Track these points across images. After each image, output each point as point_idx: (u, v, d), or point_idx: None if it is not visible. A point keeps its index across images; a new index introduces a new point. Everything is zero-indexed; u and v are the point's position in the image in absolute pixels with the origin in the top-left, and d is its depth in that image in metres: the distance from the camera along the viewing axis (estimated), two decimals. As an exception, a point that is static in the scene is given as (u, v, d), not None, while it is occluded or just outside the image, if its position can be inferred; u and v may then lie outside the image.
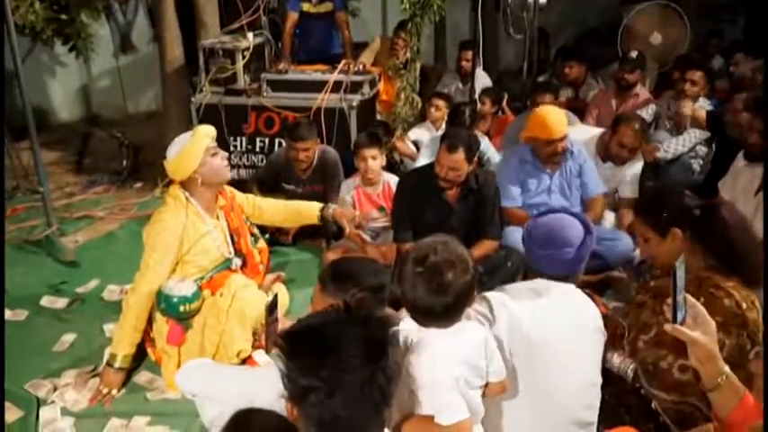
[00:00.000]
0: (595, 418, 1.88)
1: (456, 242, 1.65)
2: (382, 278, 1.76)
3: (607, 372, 1.99)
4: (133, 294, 2.45)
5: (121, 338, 2.46)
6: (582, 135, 3.76)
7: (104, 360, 2.56)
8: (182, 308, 2.40)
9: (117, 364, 2.44)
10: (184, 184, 2.54)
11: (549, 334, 1.75)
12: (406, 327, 1.77)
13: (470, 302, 1.64)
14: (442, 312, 1.57)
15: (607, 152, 3.63)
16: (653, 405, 1.96)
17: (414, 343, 1.58)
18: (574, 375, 1.80)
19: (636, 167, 3.65)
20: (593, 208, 3.34)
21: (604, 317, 1.97)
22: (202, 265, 2.54)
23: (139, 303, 2.43)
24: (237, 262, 2.66)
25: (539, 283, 1.86)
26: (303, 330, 1.21)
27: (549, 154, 3.22)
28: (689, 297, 1.37)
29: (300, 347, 1.17)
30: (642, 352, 2.03)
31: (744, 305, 1.87)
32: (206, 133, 2.56)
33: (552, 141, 3.18)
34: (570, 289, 1.88)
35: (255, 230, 2.89)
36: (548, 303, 1.79)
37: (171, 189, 2.56)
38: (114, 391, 2.44)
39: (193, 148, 2.50)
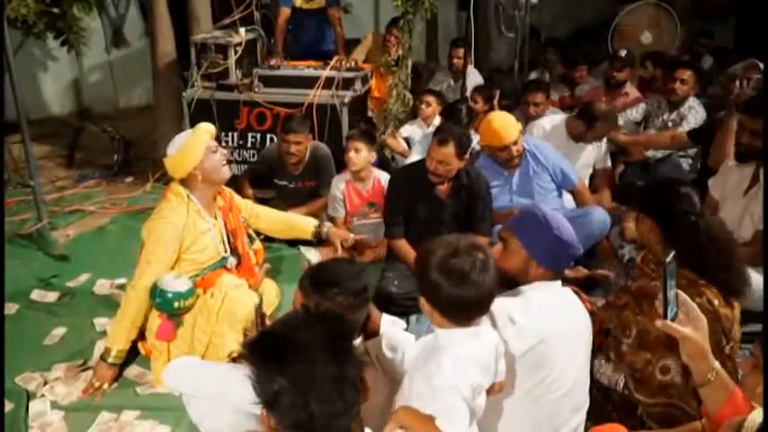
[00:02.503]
0: (584, 418, 1.91)
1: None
2: (363, 280, 1.75)
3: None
4: (133, 290, 2.45)
5: (118, 333, 2.46)
6: (549, 123, 3.89)
7: (98, 354, 2.57)
8: (176, 303, 2.40)
9: (110, 360, 2.44)
10: (184, 182, 2.54)
11: (550, 338, 1.75)
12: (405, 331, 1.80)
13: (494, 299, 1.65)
14: (473, 306, 1.57)
15: (579, 134, 3.73)
16: (638, 412, 1.98)
17: (434, 344, 1.58)
18: (568, 376, 1.81)
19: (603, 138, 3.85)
20: (581, 195, 3.48)
21: (591, 313, 1.99)
22: (199, 262, 2.55)
23: (139, 299, 2.43)
24: (233, 261, 2.67)
25: (534, 286, 1.85)
26: (265, 336, 1.22)
27: (506, 159, 3.28)
28: (680, 293, 1.38)
29: (265, 353, 1.17)
30: (628, 356, 2.05)
31: (716, 302, 1.91)
32: (206, 130, 2.57)
33: (504, 147, 3.23)
34: (563, 289, 1.90)
35: (251, 231, 2.91)
36: (546, 307, 1.79)
37: (172, 186, 2.56)
38: (106, 386, 2.45)
39: (194, 145, 2.50)
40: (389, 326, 1.84)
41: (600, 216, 3.22)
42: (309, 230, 3.02)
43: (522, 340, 1.72)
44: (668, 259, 1.34)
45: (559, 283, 1.90)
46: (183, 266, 2.52)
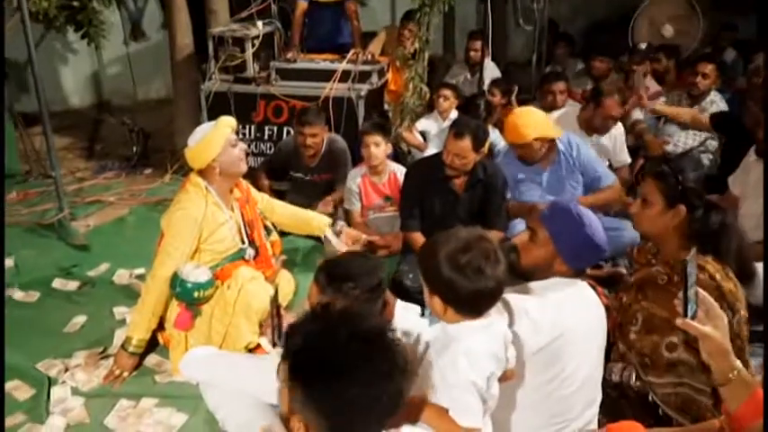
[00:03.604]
0: (596, 412, 1.90)
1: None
2: (378, 275, 1.75)
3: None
4: (152, 280, 2.48)
5: (138, 323, 2.49)
6: (557, 113, 3.83)
7: (118, 342, 2.61)
8: (196, 293, 2.43)
9: (131, 349, 2.48)
10: (202, 173, 2.57)
11: (565, 335, 1.74)
12: (420, 322, 1.78)
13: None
14: (488, 299, 1.55)
15: (591, 125, 3.64)
16: (650, 398, 1.97)
17: (445, 338, 1.57)
18: (581, 372, 1.80)
19: (619, 130, 3.72)
20: (603, 191, 3.31)
21: (606, 308, 1.98)
22: (216, 252, 2.58)
23: (159, 289, 2.46)
24: (251, 252, 2.70)
25: (552, 282, 1.81)
26: (308, 352, 1.12)
27: (526, 156, 3.20)
28: (700, 291, 1.36)
29: (308, 373, 1.11)
30: (636, 343, 2.05)
31: (718, 276, 1.91)
32: (228, 124, 2.60)
33: (523, 144, 3.15)
34: (579, 283, 1.86)
35: (268, 224, 2.93)
36: (563, 304, 1.77)
37: (191, 177, 2.59)
38: (126, 374, 2.49)
39: (214, 138, 2.53)
40: (402, 311, 1.83)
41: (630, 238, 3.13)
42: (323, 228, 3.05)
43: (539, 337, 1.70)
44: (689, 257, 1.33)
45: (578, 281, 1.86)
46: (201, 257, 2.55)
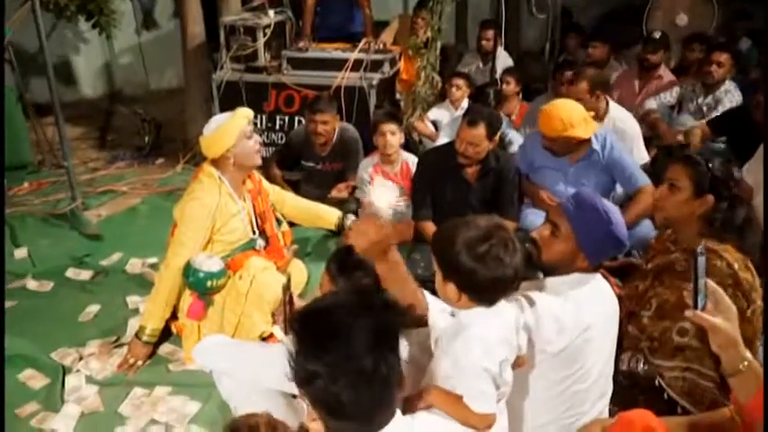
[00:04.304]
0: (607, 402, 1.89)
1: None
2: None
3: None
4: (166, 269, 2.49)
5: (152, 312, 2.50)
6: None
7: (131, 331, 2.63)
8: (209, 283, 2.44)
9: (145, 338, 2.49)
10: (216, 163, 2.57)
11: (586, 333, 1.72)
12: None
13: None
14: (507, 288, 1.54)
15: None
16: (656, 382, 1.96)
17: (457, 326, 1.56)
18: (596, 366, 1.79)
19: (635, 129, 3.55)
20: (640, 200, 3.03)
21: (618, 298, 1.96)
22: (228, 242, 2.59)
23: (172, 278, 2.47)
24: (261, 243, 2.71)
25: (572, 278, 1.76)
26: (313, 313, 1.20)
27: (554, 147, 3.09)
28: (710, 283, 1.35)
29: (308, 331, 1.16)
30: (648, 328, 2.05)
31: (736, 265, 1.89)
32: (244, 115, 2.60)
33: (555, 138, 3.03)
34: (597, 278, 1.83)
35: (279, 215, 2.94)
36: (583, 301, 1.74)
37: (204, 167, 2.59)
38: (140, 363, 2.50)
39: (230, 128, 2.53)
40: (438, 314, 1.78)
41: (645, 233, 3.04)
42: (333, 221, 3.04)
43: (562, 336, 1.69)
44: (699, 249, 1.33)
45: (595, 275, 1.83)
46: (213, 248, 2.56)
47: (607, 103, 3.53)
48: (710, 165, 2.06)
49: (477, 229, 1.52)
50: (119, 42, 6.27)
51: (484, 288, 1.52)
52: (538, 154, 3.22)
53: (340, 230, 3.14)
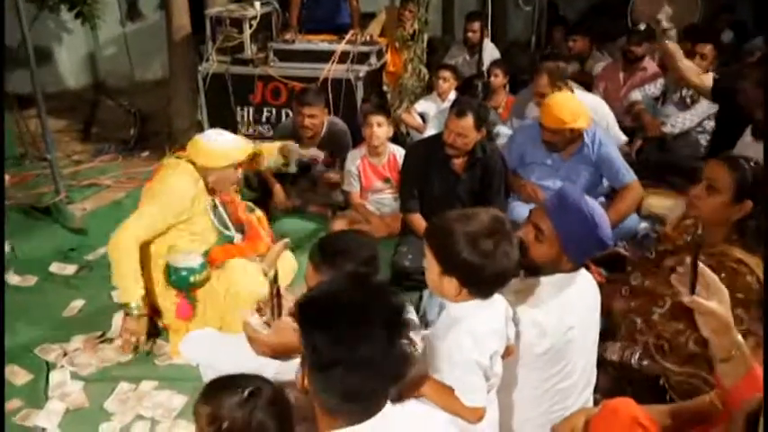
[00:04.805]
0: (591, 392, 1.91)
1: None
2: (372, 248, 1.77)
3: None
4: (115, 236, 2.41)
5: (125, 288, 2.43)
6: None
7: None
8: (191, 279, 2.44)
9: (135, 312, 2.43)
10: (195, 166, 2.55)
11: (570, 332, 1.73)
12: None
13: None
14: (504, 280, 1.53)
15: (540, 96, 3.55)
16: (661, 381, 1.96)
17: (448, 319, 1.56)
18: (581, 361, 1.81)
19: (604, 110, 3.60)
20: (626, 197, 3.08)
21: (600, 285, 1.95)
22: (191, 232, 2.56)
23: (122, 247, 2.39)
24: (239, 237, 2.70)
25: (555, 279, 1.74)
26: (328, 299, 1.18)
27: (554, 141, 3.08)
28: (699, 264, 1.33)
29: (327, 318, 1.14)
30: (658, 326, 2.02)
31: (758, 271, 1.85)
32: (246, 150, 2.61)
33: (557, 131, 3.03)
34: (580, 273, 1.82)
35: (249, 204, 2.95)
36: (566, 302, 1.73)
37: (182, 163, 2.56)
38: (143, 338, 2.46)
39: (232, 155, 2.53)
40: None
41: (631, 225, 3.13)
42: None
43: (545, 340, 1.69)
44: (700, 232, 1.31)
45: (581, 270, 1.82)
46: (178, 241, 2.54)
47: (572, 92, 3.54)
48: (753, 168, 1.93)
49: (480, 223, 1.50)
50: (103, 33, 6.18)
51: (488, 283, 1.51)
52: (529, 148, 3.22)
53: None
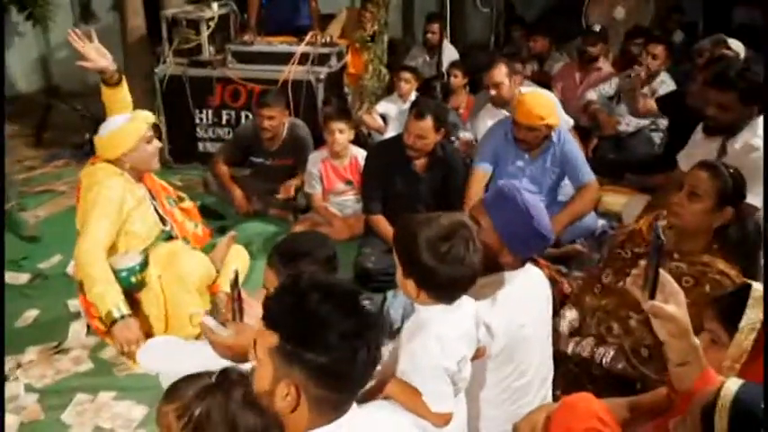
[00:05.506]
0: (550, 386, 1.94)
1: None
2: (330, 248, 1.77)
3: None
4: (79, 257, 2.37)
5: (102, 295, 2.35)
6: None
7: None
8: (133, 279, 2.40)
9: (121, 319, 2.33)
10: (111, 162, 2.52)
11: (520, 331, 1.74)
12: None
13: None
14: (467, 285, 1.53)
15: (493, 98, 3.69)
16: (638, 386, 1.97)
17: (417, 322, 1.56)
18: (535, 358, 1.83)
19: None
20: (584, 196, 3.11)
21: (550, 280, 1.98)
22: (139, 237, 2.52)
23: (90, 262, 2.35)
24: (176, 231, 2.67)
25: (501, 277, 1.76)
26: (293, 305, 1.14)
27: (528, 139, 3.08)
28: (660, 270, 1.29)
29: (292, 324, 1.12)
30: (636, 332, 2.04)
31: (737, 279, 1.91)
32: (144, 119, 2.55)
33: (533, 128, 3.02)
34: (527, 268, 1.84)
35: (181, 193, 2.93)
36: (514, 300, 1.74)
37: (100, 165, 2.52)
38: (141, 341, 2.36)
39: (130, 131, 2.49)
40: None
41: (590, 223, 3.19)
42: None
43: (494, 341, 1.70)
44: (660, 235, 1.26)
45: (527, 266, 1.84)
46: (129, 242, 2.50)
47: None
48: (733, 174, 1.97)
49: (440, 227, 1.50)
50: (55, 35, 6.03)
51: (443, 287, 1.51)
52: (501, 146, 3.20)
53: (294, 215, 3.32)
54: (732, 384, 1.19)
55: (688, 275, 1.95)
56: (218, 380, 1.32)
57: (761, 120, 2.68)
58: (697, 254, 1.99)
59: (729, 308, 1.42)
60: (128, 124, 2.50)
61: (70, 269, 3.13)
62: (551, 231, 1.81)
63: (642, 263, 1.35)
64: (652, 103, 3.92)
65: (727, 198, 1.95)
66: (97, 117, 4.79)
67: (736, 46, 3.84)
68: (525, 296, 1.78)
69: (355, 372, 1.14)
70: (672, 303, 1.28)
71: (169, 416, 1.28)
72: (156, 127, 4.24)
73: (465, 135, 3.93)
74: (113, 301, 2.34)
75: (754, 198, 2.52)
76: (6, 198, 3.57)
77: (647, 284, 1.28)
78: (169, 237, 2.63)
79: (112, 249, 2.47)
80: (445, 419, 1.51)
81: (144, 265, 2.43)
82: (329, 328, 1.10)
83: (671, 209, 2.06)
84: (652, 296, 1.28)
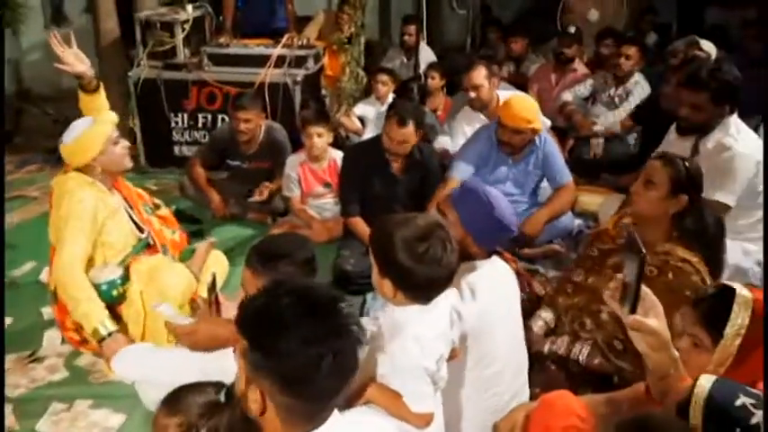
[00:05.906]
0: (525, 380, 1.96)
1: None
2: (309, 249, 1.77)
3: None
4: (57, 276, 2.33)
5: (87, 313, 2.31)
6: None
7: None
8: (114, 292, 2.35)
9: (108, 334, 2.28)
10: (82, 171, 2.46)
11: (484, 321, 1.76)
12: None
13: None
14: (442, 286, 1.54)
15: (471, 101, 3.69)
16: (615, 380, 2.00)
17: (393, 323, 1.55)
18: (503, 349, 1.84)
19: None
20: (561, 197, 3.16)
21: (517, 274, 2.02)
22: (116, 249, 2.48)
23: (69, 282, 2.30)
24: (152, 240, 2.62)
25: (465, 268, 1.80)
26: (253, 313, 1.13)
27: (513, 142, 3.08)
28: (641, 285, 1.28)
29: (253, 331, 1.10)
30: (608, 326, 2.07)
31: (708, 281, 1.95)
32: (109, 120, 2.50)
33: (520, 131, 3.04)
34: (492, 261, 1.89)
35: (157, 200, 2.90)
36: (478, 291, 1.77)
37: (69, 174, 2.45)
38: None
39: (94, 136, 2.43)
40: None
41: (567, 223, 3.23)
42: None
43: (461, 325, 1.70)
44: (641, 248, 1.25)
45: (493, 258, 1.89)
46: (105, 253, 2.45)
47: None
48: (687, 164, 2.06)
49: (417, 227, 1.51)
50: (26, 38, 5.93)
51: (420, 287, 1.52)
52: (486, 150, 3.21)
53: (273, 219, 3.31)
54: (705, 381, 1.21)
55: (651, 266, 1.99)
56: (226, 397, 1.30)
57: (732, 119, 2.73)
58: (658, 243, 2.05)
59: (712, 312, 1.41)
60: (91, 128, 2.44)
61: (43, 276, 3.08)
62: (514, 223, 1.88)
63: (619, 276, 1.35)
64: (627, 123, 4.02)
65: (681, 186, 2.04)
66: (70, 121, 4.73)
67: (708, 47, 3.91)
68: (491, 285, 1.83)
69: (321, 380, 1.08)
70: (652, 316, 1.27)
71: (169, 430, 1.28)
72: (130, 131, 4.25)
73: (441, 142, 3.94)
74: (98, 319, 2.31)
75: (725, 195, 2.59)
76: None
77: (629, 298, 1.27)
78: (147, 245, 2.58)
79: (90, 262, 2.42)
80: (426, 420, 1.51)
81: (125, 278, 2.39)
82: (290, 333, 1.07)
83: (631, 198, 2.17)
84: (633, 310, 1.26)
